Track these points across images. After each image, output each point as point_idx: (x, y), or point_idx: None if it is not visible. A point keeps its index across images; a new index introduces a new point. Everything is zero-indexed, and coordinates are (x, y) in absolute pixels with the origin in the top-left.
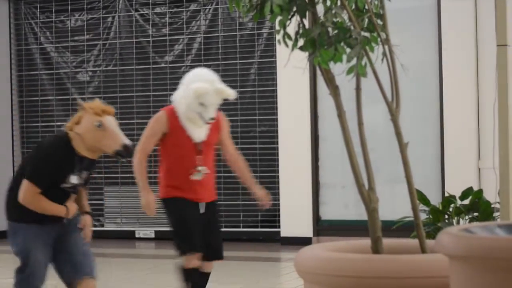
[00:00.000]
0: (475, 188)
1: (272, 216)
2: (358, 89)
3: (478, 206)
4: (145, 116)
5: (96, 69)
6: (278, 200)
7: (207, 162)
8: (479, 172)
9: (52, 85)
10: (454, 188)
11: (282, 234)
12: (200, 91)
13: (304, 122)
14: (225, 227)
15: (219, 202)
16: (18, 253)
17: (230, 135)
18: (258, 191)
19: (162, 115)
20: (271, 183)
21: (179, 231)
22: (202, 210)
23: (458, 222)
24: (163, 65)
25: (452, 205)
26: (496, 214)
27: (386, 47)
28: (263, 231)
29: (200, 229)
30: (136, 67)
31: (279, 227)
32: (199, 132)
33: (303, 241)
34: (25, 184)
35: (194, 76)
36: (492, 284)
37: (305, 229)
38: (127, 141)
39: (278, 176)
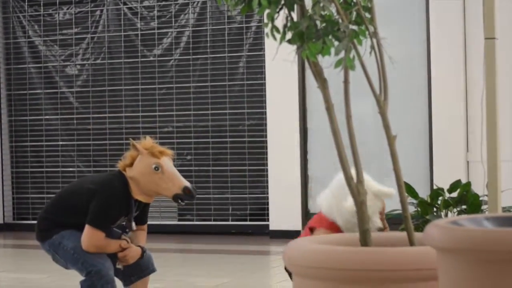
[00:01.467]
0: (464, 181)
1: (261, 210)
2: (346, 82)
3: (466, 199)
4: (133, 110)
5: (85, 62)
6: (267, 193)
7: None
8: (467, 165)
9: (40, 79)
10: (443, 181)
11: (271, 228)
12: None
13: (292, 115)
14: (214, 220)
15: (208, 196)
16: (73, 254)
17: None
18: None
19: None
20: (260, 177)
21: None
22: None
23: (446, 215)
24: (151, 58)
25: (440, 198)
26: (484, 207)
27: (374, 40)
28: (252, 225)
29: None
30: (125, 60)
31: (268, 220)
32: None
33: (292, 235)
34: (90, 231)
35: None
36: (480, 276)
37: (294, 223)
38: (187, 184)
39: (267, 170)
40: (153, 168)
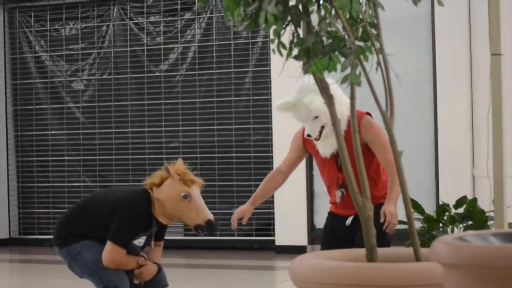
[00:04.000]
0: (470, 197)
1: (267, 225)
2: (352, 98)
3: (472, 215)
4: (139, 125)
5: (91, 77)
6: (273, 208)
7: None
8: (473, 180)
9: (46, 94)
10: (449, 196)
11: (277, 243)
12: None
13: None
14: (220, 235)
15: (214, 211)
16: (92, 266)
17: None
18: None
19: None
20: None
21: None
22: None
23: (452, 231)
24: (157, 73)
25: (446, 214)
26: (490, 222)
27: (380, 56)
28: (257, 240)
29: None
30: (131, 75)
31: (274, 235)
32: None
33: (298, 250)
34: (112, 248)
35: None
36: None
37: (300, 238)
38: (211, 216)
39: None
40: (182, 196)
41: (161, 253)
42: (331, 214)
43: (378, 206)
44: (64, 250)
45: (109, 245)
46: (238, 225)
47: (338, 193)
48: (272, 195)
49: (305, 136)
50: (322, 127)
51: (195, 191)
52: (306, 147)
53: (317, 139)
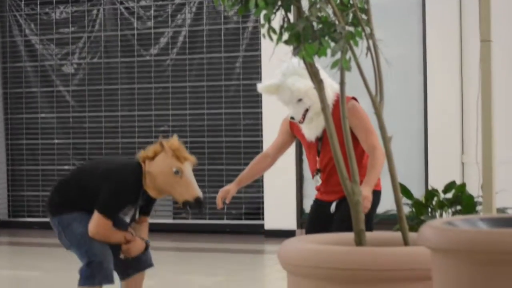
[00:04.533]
0: (458, 182)
1: (256, 209)
2: (342, 83)
3: (461, 200)
4: (129, 109)
5: (81, 61)
6: (262, 192)
7: None
8: (462, 166)
9: (36, 77)
10: (437, 182)
11: (266, 227)
12: None
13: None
14: (209, 219)
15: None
16: (79, 240)
17: None
18: None
19: None
20: None
21: None
22: None
23: (441, 216)
24: (148, 58)
25: (435, 199)
26: (479, 207)
27: (370, 41)
28: (247, 224)
29: None
30: (121, 59)
31: (263, 219)
32: None
33: (287, 234)
34: (98, 218)
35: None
36: (474, 277)
37: (289, 222)
38: (200, 194)
39: None
40: (174, 171)
41: (147, 228)
42: (315, 201)
43: None
44: (56, 219)
45: (95, 215)
46: (227, 209)
47: (316, 179)
48: (257, 178)
49: (289, 118)
50: (306, 110)
51: (187, 168)
52: (293, 131)
53: (301, 122)
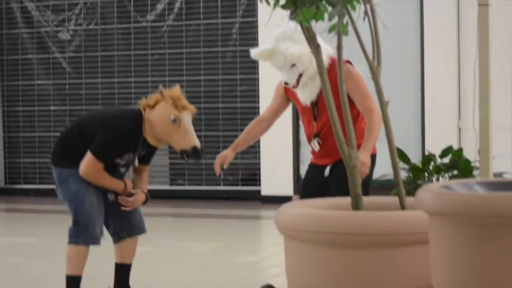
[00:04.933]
0: (455, 148)
1: (253, 175)
2: (339, 47)
3: (457, 165)
4: (126, 75)
5: (77, 28)
6: (259, 159)
7: None
8: (459, 132)
9: (33, 44)
10: (434, 147)
11: (263, 193)
12: None
13: None
14: (206, 185)
15: (200, 161)
16: (71, 197)
17: None
18: None
19: None
20: None
21: None
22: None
23: (438, 180)
24: (144, 24)
25: (432, 163)
26: (475, 172)
27: (368, 6)
28: (243, 190)
29: None
30: (117, 26)
31: (259, 185)
32: None
33: (284, 200)
34: (89, 158)
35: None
36: (471, 240)
37: (286, 188)
38: (197, 143)
39: None
40: (172, 119)
41: (147, 179)
42: (310, 165)
43: None
44: (57, 171)
45: (87, 155)
46: (224, 175)
47: (314, 143)
48: (254, 144)
49: (283, 84)
50: (300, 75)
51: (186, 117)
52: (288, 95)
53: (295, 87)
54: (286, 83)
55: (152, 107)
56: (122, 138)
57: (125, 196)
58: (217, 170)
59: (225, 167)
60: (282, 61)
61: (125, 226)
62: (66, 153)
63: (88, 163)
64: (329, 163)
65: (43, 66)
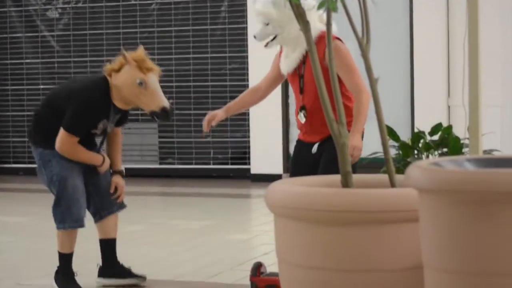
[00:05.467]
0: (445, 125)
1: (242, 153)
2: (328, 24)
3: (447, 142)
4: (115, 54)
5: (66, 6)
6: (248, 137)
7: None
8: (448, 109)
9: (21, 22)
10: (424, 125)
11: (252, 171)
12: None
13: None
14: (195, 164)
15: (189, 140)
16: (54, 181)
17: None
18: None
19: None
20: (241, 120)
21: None
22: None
23: (427, 158)
24: (133, 1)
25: (421, 141)
26: (465, 150)
27: None
28: (233, 168)
29: None
30: (106, 4)
31: (249, 164)
32: None
33: (273, 178)
34: (63, 134)
35: None
36: (461, 217)
37: (275, 166)
38: (166, 104)
39: (248, 114)
40: (138, 82)
41: (121, 147)
42: (298, 142)
43: None
44: (38, 151)
45: (60, 132)
46: (214, 154)
47: (300, 116)
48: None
49: (253, 36)
50: (274, 38)
51: (151, 78)
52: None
53: (265, 46)
54: (254, 36)
55: (117, 71)
56: (92, 109)
57: (101, 172)
58: (205, 127)
59: (213, 124)
60: (257, 14)
61: (105, 204)
62: (44, 131)
63: (62, 139)
64: (317, 141)
65: (32, 45)
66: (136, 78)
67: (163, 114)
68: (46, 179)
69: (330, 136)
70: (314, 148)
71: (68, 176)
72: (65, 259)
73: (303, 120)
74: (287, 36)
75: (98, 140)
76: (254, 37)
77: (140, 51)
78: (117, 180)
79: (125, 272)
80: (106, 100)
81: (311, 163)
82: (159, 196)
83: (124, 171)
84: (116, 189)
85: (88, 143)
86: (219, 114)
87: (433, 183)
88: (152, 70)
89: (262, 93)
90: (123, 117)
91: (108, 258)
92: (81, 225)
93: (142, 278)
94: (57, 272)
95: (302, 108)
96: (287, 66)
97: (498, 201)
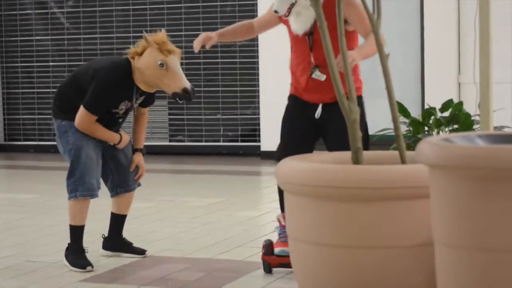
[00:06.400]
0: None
1: (252, 131)
2: (339, 0)
3: (458, 118)
4: (125, 30)
5: None
6: (258, 114)
7: None
8: (459, 86)
9: None
10: (434, 101)
11: (262, 148)
12: None
13: (284, 36)
14: (205, 141)
15: (199, 117)
16: (70, 150)
17: None
18: None
19: None
20: (251, 98)
21: None
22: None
23: (438, 134)
24: None
25: (432, 117)
26: (475, 126)
27: None
28: (243, 145)
29: None
30: None
31: (259, 141)
32: None
33: None
34: (82, 112)
35: None
36: (471, 193)
37: None
38: (187, 85)
39: (258, 91)
40: (159, 64)
41: (145, 127)
42: (292, 98)
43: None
44: (57, 122)
45: (80, 109)
46: (223, 131)
47: (317, 74)
48: (253, 100)
49: (273, 11)
50: (293, 4)
51: (173, 60)
52: (281, 18)
53: (286, 16)
54: (276, 11)
55: (140, 54)
56: (112, 90)
57: (120, 148)
58: (196, 48)
59: (207, 46)
60: None
61: (122, 182)
62: (65, 105)
63: (81, 116)
64: (317, 101)
65: (42, 22)
66: (157, 59)
67: (185, 95)
68: (62, 149)
69: (335, 100)
70: (318, 113)
71: (83, 146)
72: (76, 233)
73: (323, 78)
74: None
75: (120, 120)
76: (276, 11)
77: (162, 34)
78: (138, 158)
79: (126, 246)
80: (128, 81)
81: (310, 131)
82: (169, 173)
83: (145, 149)
84: (136, 168)
85: (109, 121)
86: (214, 37)
87: (444, 159)
88: (173, 52)
89: (253, 32)
90: (149, 99)
91: (114, 232)
92: (93, 194)
93: (142, 251)
94: (67, 248)
95: (316, 66)
96: (300, 25)
97: (509, 177)
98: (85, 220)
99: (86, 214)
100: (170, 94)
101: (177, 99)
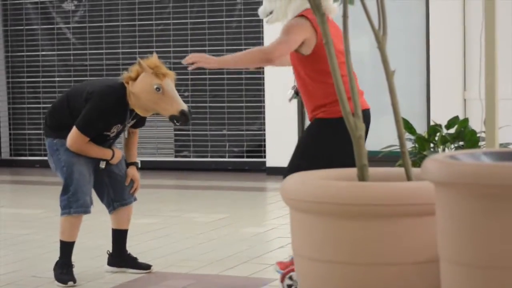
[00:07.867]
0: (461, 118)
1: (258, 146)
2: (345, 17)
3: (463, 135)
4: (130, 46)
5: None
6: (264, 130)
7: None
8: (464, 103)
9: (37, 14)
10: (440, 118)
11: (268, 164)
12: None
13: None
14: (211, 157)
15: (205, 132)
16: (62, 168)
17: None
18: None
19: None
20: (257, 113)
21: None
22: None
23: (443, 151)
24: None
25: (438, 134)
26: (481, 143)
27: None
28: (248, 161)
29: None
30: None
31: (264, 157)
32: None
33: None
34: (74, 132)
35: None
36: (477, 210)
37: None
38: (184, 107)
39: (264, 106)
40: (155, 88)
41: (136, 143)
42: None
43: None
44: (48, 141)
45: (73, 129)
46: (229, 147)
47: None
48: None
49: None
50: (271, 12)
51: (168, 84)
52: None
53: (266, 22)
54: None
55: (134, 79)
56: (105, 113)
57: (113, 164)
58: (186, 60)
59: (199, 65)
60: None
61: (118, 196)
62: (56, 124)
63: (73, 137)
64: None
65: (48, 37)
66: (153, 84)
67: (182, 118)
68: (54, 166)
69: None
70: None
71: (74, 163)
72: (66, 248)
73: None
74: (279, 10)
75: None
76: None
77: (154, 58)
78: (133, 172)
79: (131, 262)
80: (122, 106)
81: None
82: (174, 189)
83: (139, 163)
84: (131, 181)
85: (101, 142)
86: (212, 64)
87: (450, 176)
88: (167, 75)
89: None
90: (140, 122)
91: (118, 247)
92: (86, 211)
93: (147, 266)
94: (56, 263)
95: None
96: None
97: None
98: (76, 237)
99: (78, 230)
100: (167, 117)
101: (175, 122)
